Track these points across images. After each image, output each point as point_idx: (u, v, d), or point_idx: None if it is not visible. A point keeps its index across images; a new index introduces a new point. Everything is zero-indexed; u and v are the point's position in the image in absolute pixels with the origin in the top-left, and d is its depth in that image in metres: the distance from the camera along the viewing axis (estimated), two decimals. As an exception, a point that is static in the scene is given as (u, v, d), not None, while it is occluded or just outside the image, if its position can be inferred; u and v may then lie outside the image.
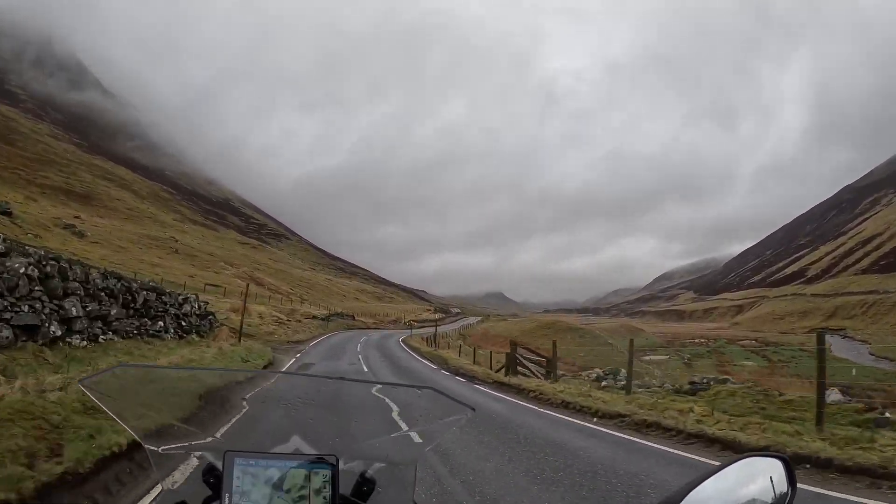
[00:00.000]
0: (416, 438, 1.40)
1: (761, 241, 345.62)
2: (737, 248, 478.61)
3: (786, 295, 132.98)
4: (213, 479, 1.18)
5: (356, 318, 65.72)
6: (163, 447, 1.24)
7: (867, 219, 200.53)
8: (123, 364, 1.20)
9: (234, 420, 1.61)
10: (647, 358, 47.31)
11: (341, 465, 1.21)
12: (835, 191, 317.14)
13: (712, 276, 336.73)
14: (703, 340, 75.64)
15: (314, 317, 49.65)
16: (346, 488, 1.21)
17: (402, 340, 38.81)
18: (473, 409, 1.28)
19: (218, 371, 1.13)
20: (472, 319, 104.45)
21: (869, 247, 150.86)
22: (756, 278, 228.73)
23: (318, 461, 1.20)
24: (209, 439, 1.29)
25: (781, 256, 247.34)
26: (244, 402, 1.22)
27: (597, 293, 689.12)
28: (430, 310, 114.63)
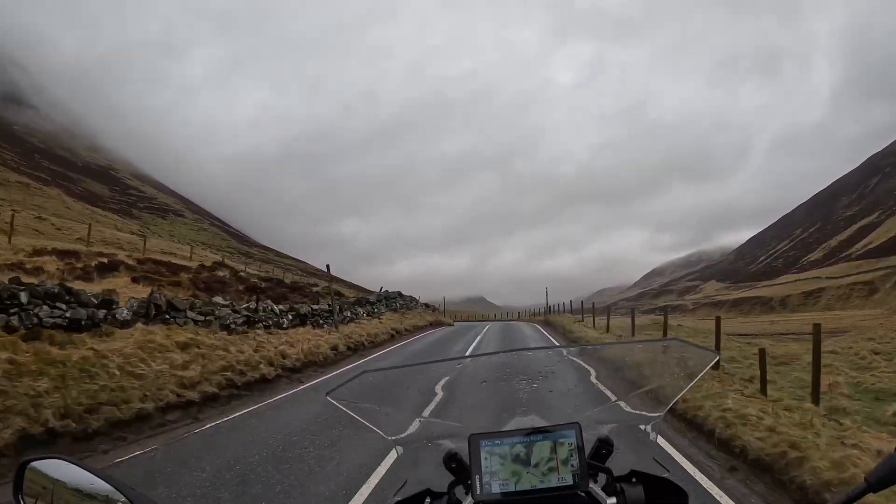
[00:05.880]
0: (661, 393, 1.33)
1: (774, 222, 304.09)
2: (732, 238, 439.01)
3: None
4: (455, 463, 1.22)
5: None
6: (408, 441, 1.29)
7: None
8: (366, 371, 1.11)
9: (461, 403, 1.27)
10: None
11: (584, 432, 1.20)
12: (855, 164, 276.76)
13: (725, 264, 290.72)
14: None
15: None
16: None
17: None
18: (718, 353, 1.27)
19: (450, 361, 1.38)
20: (483, 328, 34.91)
21: None
22: (814, 256, 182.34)
23: (563, 431, 1.19)
24: (452, 426, 1.30)
25: (828, 233, 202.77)
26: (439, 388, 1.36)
27: (581, 294, 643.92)
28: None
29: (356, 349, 17.24)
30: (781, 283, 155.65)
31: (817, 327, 8.03)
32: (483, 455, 1.17)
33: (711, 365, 1.25)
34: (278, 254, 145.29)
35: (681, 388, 1.29)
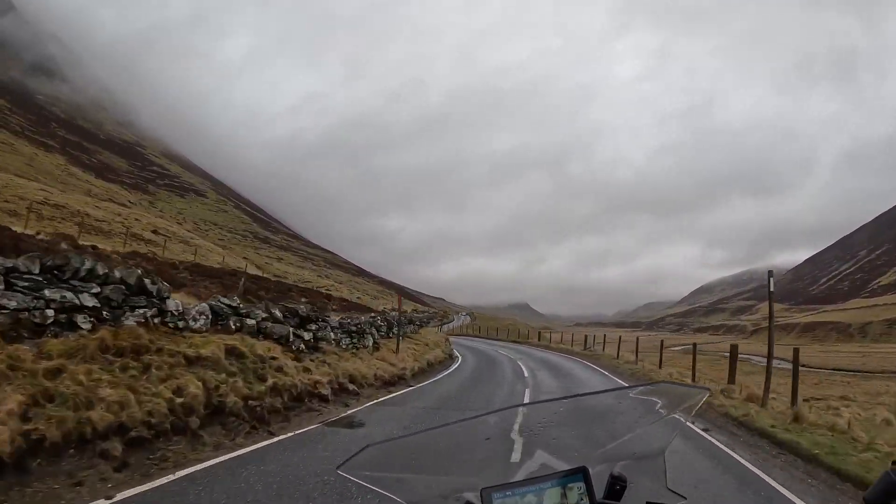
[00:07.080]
0: (660, 428, 1.39)
1: (833, 244, 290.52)
2: (786, 258, 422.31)
3: None
4: None
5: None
6: (426, 501, 1.30)
7: None
8: (371, 444, 1.15)
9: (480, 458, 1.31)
10: None
11: (591, 473, 1.24)
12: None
13: (782, 284, 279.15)
14: None
15: None
16: (598, 492, 1.25)
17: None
18: (709, 390, 1.34)
19: (458, 424, 1.36)
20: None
21: None
22: (885, 280, 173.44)
23: (570, 475, 1.23)
24: (465, 481, 1.32)
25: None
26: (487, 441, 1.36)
27: (626, 307, 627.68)
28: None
29: None
30: (854, 308, 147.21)
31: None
32: None
33: (705, 399, 1.36)
34: (306, 243, 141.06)
35: (683, 421, 1.39)
